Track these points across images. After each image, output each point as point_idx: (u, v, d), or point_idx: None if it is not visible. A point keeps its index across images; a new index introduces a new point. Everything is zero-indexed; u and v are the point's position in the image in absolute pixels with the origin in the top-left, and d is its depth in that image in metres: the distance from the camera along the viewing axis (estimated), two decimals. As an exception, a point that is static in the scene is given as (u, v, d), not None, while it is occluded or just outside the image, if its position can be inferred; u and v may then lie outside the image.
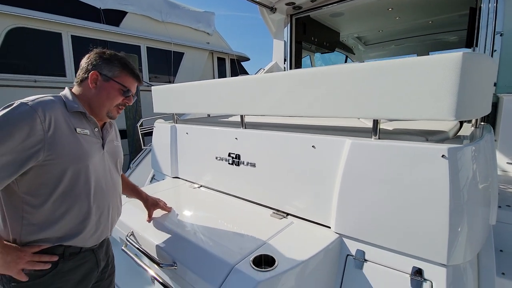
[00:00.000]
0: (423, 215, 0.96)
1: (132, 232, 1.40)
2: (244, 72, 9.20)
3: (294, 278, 1.00)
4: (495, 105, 2.27)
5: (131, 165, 3.18)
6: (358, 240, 1.13)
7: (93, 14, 5.57)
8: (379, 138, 1.12)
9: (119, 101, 1.12)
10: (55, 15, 4.93)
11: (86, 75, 1.07)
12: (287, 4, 3.61)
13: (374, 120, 1.12)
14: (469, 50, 2.54)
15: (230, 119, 2.23)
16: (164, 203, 1.55)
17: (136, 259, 1.37)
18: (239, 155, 1.64)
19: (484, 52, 2.31)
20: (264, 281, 0.91)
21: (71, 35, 5.13)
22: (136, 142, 4.82)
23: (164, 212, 1.53)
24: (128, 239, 1.37)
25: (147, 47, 6.36)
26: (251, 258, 1.02)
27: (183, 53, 7.08)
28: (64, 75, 5.08)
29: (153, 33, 6.48)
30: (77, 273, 1.04)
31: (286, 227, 1.28)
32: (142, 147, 3.29)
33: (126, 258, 2.46)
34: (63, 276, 1.00)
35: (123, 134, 5.40)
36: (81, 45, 5.32)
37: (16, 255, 0.91)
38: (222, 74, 8.51)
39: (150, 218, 1.46)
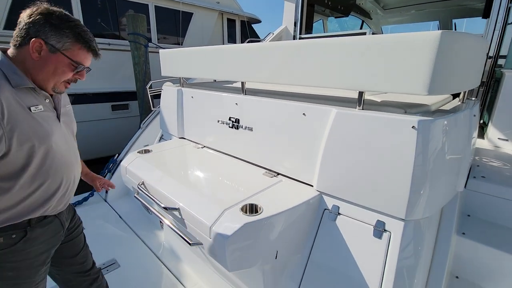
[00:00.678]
0: (390, 177, 1.11)
1: (143, 182, 1.62)
2: (254, 35, 8.90)
3: (275, 223, 1.19)
4: (499, 81, 2.27)
5: (141, 125, 3.38)
6: (335, 197, 1.31)
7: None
8: (362, 109, 1.23)
9: (69, 77, 1.00)
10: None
11: (26, 40, 0.90)
12: None
13: (359, 92, 1.21)
14: (485, 21, 2.45)
15: (233, 85, 2.33)
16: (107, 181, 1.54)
17: (146, 204, 1.60)
18: (238, 120, 1.78)
19: (496, 24, 2.24)
20: (249, 222, 1.10)
21: (78, -8, 5.06)
22: (145, 104, 4.98)
23: (170, 165, 1.73)
24: (140, 187, 1.59)
25: (155, 6, 6.20)
26: (240, 206, 1.21)
27: (192, 13, 6.87)
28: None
29: (161, -10, 6.27)
30: (45, 236, 1.08)
31: (274, 184, 1.46)
32: (152, 109, 3.44)
33: (138, 205, 2.77)
34: (33, 241, 1.04)
35: (133, 95, 5.58)
36: (90, 4, 5.26)
37: None
38: (231, 37, 8.29)
39: (98, 190, 1.51)
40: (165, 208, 1.36)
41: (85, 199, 3.00)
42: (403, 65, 1.01)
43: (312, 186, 1.41)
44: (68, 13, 0.98)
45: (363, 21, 5.44)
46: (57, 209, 1.12)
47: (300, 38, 3.74)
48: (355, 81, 1.16)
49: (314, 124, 1.36)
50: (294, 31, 3.88)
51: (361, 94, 1.21)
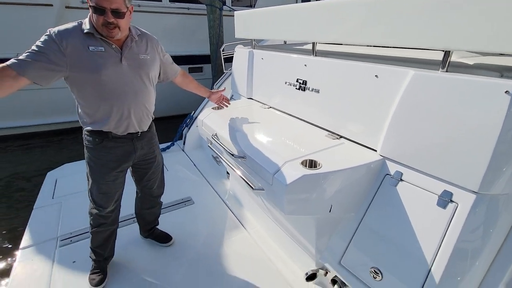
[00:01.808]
0: (467, 146, 1.02)
1: (216, 133, 1.85)
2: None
3: (332, 180, 1.26)
4: None
5: (214, 87, 3.67)
6: (399, 163, 1.27)
7: None
8: (446, 71, 1.11)
9: (101, 21, 1.21)
10: None
11: None
12: None
13: (445, 51, 1.09)
14: None
15: (303, 47, 2.29)
16: (226, 98, 2.03)
17: (217, 153, 1.84)
18: (306, 81, 1.80)
19: None
20: (307, 175, 1.20)
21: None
22: (218, 67, 5.29)
23: (239, 121, 1.91)
24: (213, 138, 1.83)
25: (231, -34, 6.20)
26: (301, 160, 1.30)
27: (266, -28, 6.64)
28: (160, 0, 5.60)
29: None
30: (117, 150, 1.46)
31: (336, 145, 1.49)
32: (224, 71, 3.67)
33: (209, 157, 3.14)
34: (108, 150, 1.44)
35: (207, 58, 5.96)
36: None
37: None
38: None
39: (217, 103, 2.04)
40: (233, 155, 1.55)
41: (168, 147, 3.56)
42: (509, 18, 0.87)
43: (375, 150, 1.39)
44: None
45: None
46: (119, 131, 1.42)
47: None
48: (441, 39, 1.04)
49: (386, 87, 1.30)
50: None
51: (447, 54, 1.09)
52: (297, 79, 1.86)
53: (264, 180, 1.36)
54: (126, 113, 1.41)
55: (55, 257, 1.85)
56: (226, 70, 3.64)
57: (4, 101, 4.80)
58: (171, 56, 1.76)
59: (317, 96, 1.72)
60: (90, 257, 1.71)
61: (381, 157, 1.34)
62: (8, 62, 1.15)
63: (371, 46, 1.36)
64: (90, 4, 1.20)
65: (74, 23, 1.27)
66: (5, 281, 2.28)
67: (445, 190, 1.12)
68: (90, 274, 1.68)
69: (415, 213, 1.20)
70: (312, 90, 1.74)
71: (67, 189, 2.61)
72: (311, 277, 1.60)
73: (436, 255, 1.10)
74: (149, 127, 1.60)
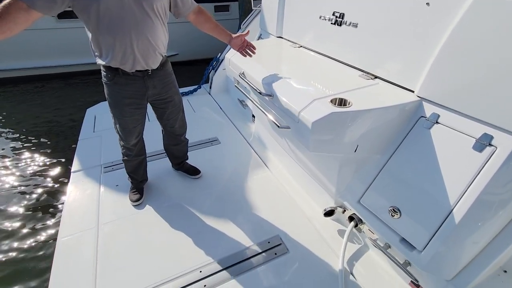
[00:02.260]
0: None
1: (243, 72, 1.81)
2: None
3: (361, 119, 1.22)
4: None
5: (241, 26, 3.47)
6: (438, 104, 1.19)
7: None
8: (519, -7, 0.94)
9: None
10: None
11: None
12: None
13: None
14: None
15: None
16: (250, 44, 1.66)
17: (244, 92, 1.83)
18: (343, 14, 1.63)
19: None
20: (336, 112, 1.17)
21: None
22: (246, 4, 4.91)
23: (268, 60, 1.83)
24: (240, 76, 1.80)
25: None
26: (330, 99, 1.26)
27: None
28: None
29: None
30: (129, 87, 1.50)
31: (370, 85, 1.40)
32: (252, 8, 3.41)
33: (235, 101, 3.15)
34: (120, 86, 1.49)
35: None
36: None
37: None
38: None
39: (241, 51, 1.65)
40: (260, 93, 1.54)
41: (195, 90, 3.60)
42: None
43: (412, 92, 1.29)
44: None
45: None
46: (126, 67, 1.43)
47: None
48: None
49: (438, 17, 1.14)
50: None
51: None
52: (334, 12, 1.68)
53: (290, 118, 1.36)
54: (129, 47, 1.37)
55: (101, 180, 2.11)
56: (255, 7, 3.38)
57: (44, 41, 4.98)
58: None
59: (354, 32, 1.56)
60: (128, 180, 1.94)
61: (418, 98, 1.26)
62: (32, 5, 1.12)
63: None
64: None
65: None
66: (62, 197, 2.68)
67: (485, 133, 1.05)
68: (130, 192, 1.94)
69: (446, 157, 1.16)
70: (350, 24, 1.58)
71: (105, 124, 2.82)
72: (329, 213, 1.69)
73: (460, 199, 1.09)
74: (162, 66, 1.58)
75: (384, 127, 1.30)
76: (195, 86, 3.64)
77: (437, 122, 1.19)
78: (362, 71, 1.56)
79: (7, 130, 3.96)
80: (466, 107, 1.09)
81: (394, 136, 1.33)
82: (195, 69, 5.03)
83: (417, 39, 1.24)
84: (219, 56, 3.60)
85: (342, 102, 1.24)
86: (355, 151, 1.32)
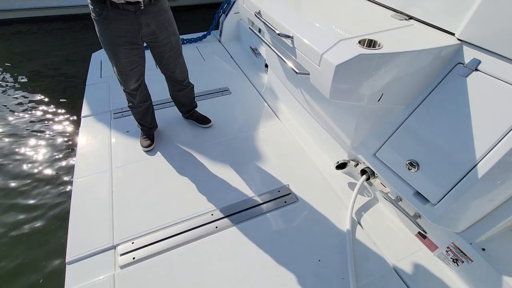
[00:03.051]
0: None
1: (259, 11, 1.63)
2: None
3: (392, 63, 1.10)
4: None
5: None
6: (481, 48, 1.05)
7: None
8: None
9: None
10: None
11: None
12: None
13: None
14: None
15: None
16: None
17: (259, 35, 1.67)
18: None
19: None
20: (364, 54, 1.05)
21: None
22: None
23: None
24: (256, 15, 1.62)
25: None
26: (358, 40, 1.13)
27: None
28: None
29: None
30: (120, 23, 1.38)
31: (404, 26, 1.25)
32: None
33: (247, 50, 2.95)
34: (110, 22, 1.37)
35: None
36: None
37: None
38: None
39: None
40: (279, 34, 1.39)
41: (204, 36, 3.37)
42: None
43: (453, 34, 1.14)
44: None
45: None
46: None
47: None
48: None
49: None
50: None
51: None
52: None
53: (311, 61, 1.24)
54: None
55: (111, 126, 2.09)
56: None
57: None
58: None
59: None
60: (137, 127, 1.92)
61: (459, 42, 1.11)
62: None
63: None
64: None
65: None
66: (74, 140, 2.73)
67: (532, 82, 0.94)
68: (141, 138, 1.94)
69: (480, 109, 1.07)
70: (387, -48, 1.35)
71: (112, 70, 2.72)
72: (341, 166, 1.67)
73: (484, 157, 1.03)
74: (156, 1, 1.43)
75: (415, 74, 1.19)
76: (204, 32, 3.40)
77: (476, 70, 1.07)
78: (395, 10, 1.38)
79: (14, 71, 3.90)
80: None
81: (424, 84, 1.22)
82: (204, 14, 4.67)
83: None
84: (230, -1, 3.28)
85: (371, 44, 1.11)
86: (378, 100, 1.23)
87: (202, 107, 2.19)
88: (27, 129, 2.97)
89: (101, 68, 2.78)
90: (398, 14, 1.35)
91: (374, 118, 1.42)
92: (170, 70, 1.76)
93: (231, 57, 3.03)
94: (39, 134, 2.91)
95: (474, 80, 1.07)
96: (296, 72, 1.34)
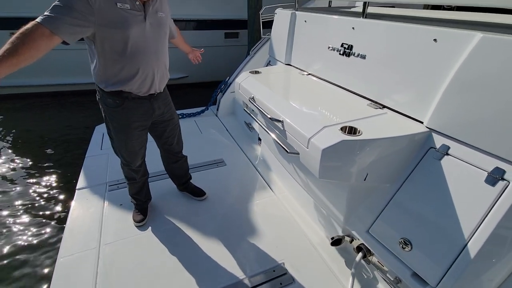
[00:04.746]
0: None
1: (253, 97, 1.85)
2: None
3: (372, 148, 1.23)
4: None
5: (250, 52, 3.60)
6: (447, 136, 1.20)
7: None
8: (525, 34, 0.98)
9: None
10: None
11: None
12: None
13: None
14: None
15: (351, 10, 2.12)
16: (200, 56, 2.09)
17: (253, 116, 1.86)
18: (351, 46, 1.69)
19: None
20: (346, 140, 1.18)
21: None
22: (255, 32, 5.13)
23: (277, 85, 1.88)
24: (250, 100, 1.84)
25: None
26: (340, 127, 1.28)
27: None
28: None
29: None
30: (138, 110, 1.52)
31: (379, 114, 1.43)
32: (261, 37, 3.57)
33: (241, 123, 3.18)
34: (129, 110, 1.50)
35: (243, 24, 5.79)
36: None
37: None
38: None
39: (193, 61, 2.07)
40: (270, 118, 1.56)
41: (202, 111, 3.67)
42: None
43: (421, 122, 1.31)
44: None
45: None
46: (142, 91, 1.47)
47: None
48: None
49: (446, 53, 1.18)
50: None
51: None
52: (342, 43, 1.75)
53: (300, 143, 1.37)
54: (150, 74, 1.44)
55: (105, 199, 2.09)
56: (264, 35, 3.53)
57: (57, 60, 5.19)
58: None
59: (362, 63, 1.62)
60: (131, 201, 1.93)
61: (428, 129, 1.27)
62: (38, 20, 1.09)
63: (429, 8, 1.22)
64: None
65: None
66: (66, 214, 2.65)
67: (497, 167, 1.04)
68: (133, 212, 1.92)
69: (458, 189, 1.15)
70: (358, 55, 1.64)
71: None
72: (336, 242, 1.65)
73: (474, 234, 1.07)
74: (164, 87, 1.65)
75: (394, 157, 1.31)
76: (203, 108, 3.71)
77: (447, 154, 1.20)
78: (371, 100, 1.59)
79: (16, 141, 4.01)
80: (477, 140, 1.10)
81: (404, 165, 1.33)
82: (204, 91, 5.17)
83: (425, 73, 1.28)
84: (228, 80, 3.71)
85: (352, 131, 1.25)
86: (364, 179, 1.31)
87: (198, 179, 2.24)
88: (16, 202, 2.91)
89: (102, 141, 2.92)
90: (373, 103, 1.56)
91: (364, 193, 1.49)
92: (169, 143, 1.88)
93: (227, 130, 3.25)
94: (29, 208, 2.84)
95: (447, 163, 1.19)
96: (287, 152, 1.46)
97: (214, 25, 5.87)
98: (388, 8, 2.07)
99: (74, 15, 1.15)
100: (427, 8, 1.30)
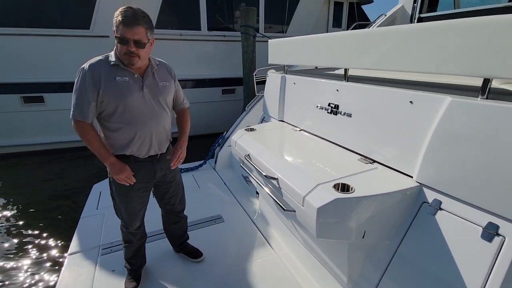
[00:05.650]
0: (514, 177, 0.97)
1: (249, 154, 1.93)
2: (363, 16, 8.20)
3: (366, 205, 1.25)
4: None
5: (246, 108, 3.83)
6: (437, 191, 1.23)
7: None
8: (487, 98, 1.09)
9: (124, 50, 1.32)
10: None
11: None
12: None
13: (484, 78, 1.08)
14: None
15: (335, 72, 2.35)
16: (176, 159, 1.72)
17: (250, 173, 1.91)
18: (338, 105, 1.83)
19: None
20: (340, 198, 1.21)
21: (206, -3, 5.97)
22: (250, 89, 5.52)
23: (272, 142, 1.97)
24: (245, 158, 1.91)
25: (265, -3, 6.61)
26: (333, 184, 1.32)
27: (298, 1, 6.95)
28: (200, 29, 6.10)
29: (272, -20, 6.61)
30: (139, 172, 1.56)
31: (369, 170, 1.48)
32: (256, 94, 3.84)
33: (239, 176, 3.20)
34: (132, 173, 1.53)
35: (239, 81, 6.25)
36: (213, 1, 6.11)
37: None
38: (337, 20, 7.93)
39: (172, 165, 1.71)
40: (266, 176, 1.61)
41: (200, 165, 3.73)
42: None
43: (411, 177, 1.36)
44: (126, 6, 1.31)
45: None
46: (141, 154, 1.53)
47: (419, 19, 3.29)
48: (480, 67, 1.04)
49: (422, 113, 1.29)
50: (413, 9, 3.43)
51: (486, 81, 1.08)
52: (329, 103, 1.90)
53: (295, 201, 1.39)
54: (148, 137, 1.51)
55: (97, 264, 1.99)
56: (258, 93, 3.81)
57: (59, 119, 5.42)
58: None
59: (349, 120, 1.74)
60: (125, 266, 1.83)
61: (418, 184, 1.31)
62: (78, 117, 1.38)
63: (405, 71, 1.37)
64: (116, 35, 1.32)
65: (101, 57, 1.42)
66: (54, 282, 2.48)
67: (490, 222, 1.06)
68: (126, 279, 1.81)
69: (457, 245, 1.14)
70: (344, 114, 1.77)
71: (110, 201, 2.83)
72: (342, 306, 1.54)
73: None
74: (167, 149, 1.70)
75: (389, 212, 1.32)
76: (201, 162, 3.78)
77: (440, 209, 1.21)
78: (361, 155, 1.66)
79: (8, 201, 3.95)
80: (466, 195, 1.13)
81: (400, 221, 1.33)
82: (202, 143, 5.32)
83: (406, 130, 1.37)
84: (225, 134, 3.86)
85: (345, 188, 1.29)
86: (363, 237, 1.30)
87: (195, 238, 2.17)
88: (5, 266, 2.74)
89: (99, 199, 2.90)
90: (363, 158, 1.63)
91: (365, 251, 1.45)
92: (171, 203, 1.87)
93: (225, 183, 3.26)
94: (18, 278, 2.66)
95: (442, 218, 1.20)
96: (284, 209, 1.46)
97: (212, 83, 6.35)
98: (368, 70, 2.29)
99: (90, 98, 1.37)
100: (404, 71, 1.45)
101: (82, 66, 1.39)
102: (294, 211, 1.41)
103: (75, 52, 5.09)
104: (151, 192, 1.80)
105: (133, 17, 1.28)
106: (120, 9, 1.30)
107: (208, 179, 3.37)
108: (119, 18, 1.28)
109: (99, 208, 2.73)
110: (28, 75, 5.03)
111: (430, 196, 1.26)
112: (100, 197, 2.95)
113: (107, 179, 3.43)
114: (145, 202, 1.72)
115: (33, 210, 3.79)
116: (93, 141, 1.44)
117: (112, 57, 1.41)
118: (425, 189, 1.29)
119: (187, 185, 3.00)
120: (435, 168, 1.23)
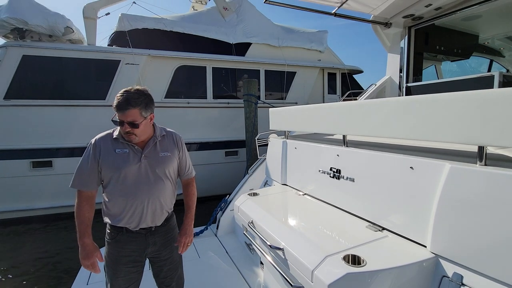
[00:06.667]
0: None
1: (252, 221, 1.87)
2: (356, 85, 8.96)
3: (380, 280, 1.14)
4: None
5: (249, 171, 3.86)
6: (456, 263, 1.14)
7: (227, 49, 7.05)
8: (485, 165, 1.11)
9: (122, 130, 1.46)
10: (203, 54, 6.61)
11: None
12: (404, 17, 3.47)
13: (479, 146, 1.12)
14: None
15: (334, 137, 2.45)
16: (183, 246, 1.67)
17: (253, 242, 1.81)
18: (339, 170, 1.85)
19: None
20: (351, 273, 1.11)
21: (212, 67, 6.70)
22: (253, 152, 5.66)
23: (276, 208, 1.92)
24: (249, 225, 1.84)
25: (265, 70, 7.37)
26: (343, 255, 1.23)
27: (295, 72, 7.72)
28: (206, 98, 6.64)
29: (271, 57, 7.46)
30: (130, 245, 1.51)
31: (380, 238, 1.40)
32: (258, 157, 3.92)
33: (242, 243, 3.03)
34: (121, 245, 1.51)
35: (241, 143, 6.48)
36: (218, 74, 6.82)
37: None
38: (332, 88, 8.64)
39: (180, 251, 1.67)
40: (270, 246, 1.52)
41: (201, 231, 3.56)
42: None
43: (425, 246, 1.28)
44: (123, 90, 1.43)
45: (491, 61, 4.69)
46: (131, 225, 1.50)
47: (407, 87, 3.59)
48: (473, 136, 1.09)
49: (424, 179, 1.29)
50: (400, 78, 3.77)
51: (481, 148, 1.11)
52: (331, 167, 1.93)
53: (303, 275, 1.28)
54: (139, 208, 1.49)
55: None
56: (260, 156, 3.89)
57: (49, 185, 5.41)
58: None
59: (353, 185, 1.73)
60: None
61: (433, 255, 1.22)
62: (83, 188, 1.47)
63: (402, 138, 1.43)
64: (112, 119, 1.45)
65: (109, 131, 1.55)
66: None
67: (521, 301, 0.95)
68: None
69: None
70: (347, 178, 1.78)
71: (102, 275, 2.61)
72: None
73: None
74: (167, 221, 1.62)
75: (408, 285, 1.20)
76: (202, 228, 3.62)
77: (463, 284, 1.11)
78: (369, 221, 1.60)
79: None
80: (488, 269, 1.04)
81: (421, 299, 1.19)
82: (204, 206, 5.19)
83: (412, 196, 1.35)
84: (228, 198, 3.80)
85: (355, 260, 1.20)
86: (382, 319, 1.15)
87: (192, 320, 1.93)
88: None
89: (90, 274, 2.68)
90: (371, 225, 1.56)
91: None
92: (166, 284, 1.72)
93: (227, 252, 3.05)
94: None
95: (467, 296, 1.08)
96: (291, 285, 1.34)
97: (216, 146, 6.58)
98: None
99: (94, 170, 1.47)
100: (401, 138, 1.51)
101: (92, 140, 1.51)
102: (303, 286, 1.29)
103: (89, 119, 5.49)
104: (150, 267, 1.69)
105: (125, 102, 1.39)
106: (118, 94, 1.42)
107: (209, 248, 3.17)
108: (114, 103, 1.41)
109: (90, 284, 2.51)
110: (39, 141, 5.29)
111: (449, 269, 1.16)
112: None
113: (102, 249, 3.27)
114: (134, 279, 1.57)
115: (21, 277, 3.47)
116: (80, 214, 1.46)
117: (116, 132, 1.54)
118: (442, 261, 1.19)
119: (186, 255, 2.81)
120: (448, 237, 1.17)
